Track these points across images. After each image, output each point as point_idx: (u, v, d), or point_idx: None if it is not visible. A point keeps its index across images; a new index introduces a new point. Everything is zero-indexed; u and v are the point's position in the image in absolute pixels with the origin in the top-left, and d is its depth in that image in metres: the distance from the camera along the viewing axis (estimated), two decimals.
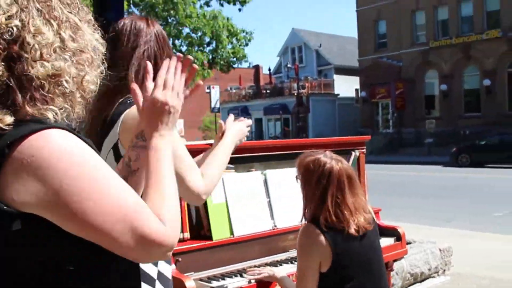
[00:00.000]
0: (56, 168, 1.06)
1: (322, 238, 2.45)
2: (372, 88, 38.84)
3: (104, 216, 1.09)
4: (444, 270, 6.32)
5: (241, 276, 2.85)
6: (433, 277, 6.16)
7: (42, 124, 1.09)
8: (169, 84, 1.43)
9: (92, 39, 1.26)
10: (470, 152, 24.78)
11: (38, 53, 1.11)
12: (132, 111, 1.86)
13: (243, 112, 47.98)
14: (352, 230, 2.46)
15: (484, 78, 32.52)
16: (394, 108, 36.97)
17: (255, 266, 3.00)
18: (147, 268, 1.93)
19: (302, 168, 2.63)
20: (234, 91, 51.44)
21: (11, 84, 1.09)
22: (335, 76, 45.54)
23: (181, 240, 2.88)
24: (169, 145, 1.38)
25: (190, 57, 1.58)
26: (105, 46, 1.32)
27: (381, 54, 38.59)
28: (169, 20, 17.20)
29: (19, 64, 1.10)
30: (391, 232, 3.59)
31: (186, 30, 17.55)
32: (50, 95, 1.14)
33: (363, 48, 39.97)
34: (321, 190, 2.51)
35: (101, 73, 1.28)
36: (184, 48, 17.85)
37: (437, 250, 6.27)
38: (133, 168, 1.57)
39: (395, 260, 3.72)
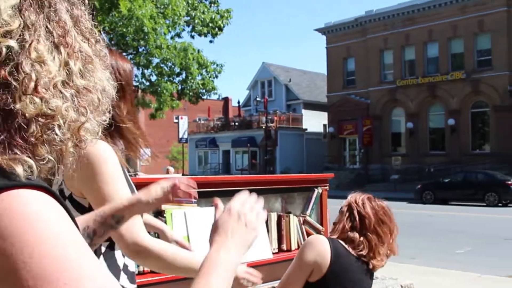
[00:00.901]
0: (20, 241, 0.76)
1: (327, 250, 2.51)
2: (340, 124, 39.35)
3: None
4: None
5: None
6: None
7: (7, 180, 0.79)
8: (248, 201, 1.26)
9: (103, 78, 0.97)
10: (434, 190, 25.17)
11: (32, 84, 0.82)
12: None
13: (211, 143, 48.00)
14: (360, 262, 2.59)
15: (449, 117, 33.35)
16: (361, 144, 37.46)
17: None
18: (118, 256, 1.91)
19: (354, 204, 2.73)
20: (202, 122, 51.47)
21: None
22: (304, 111, 46.00)
23: (141, 273, 2.86)
24: (231, 265, 1.09)
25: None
26: (116, 89, 1.05)
27: (349, 91, 39.25)
28: (140, 50, 17.23)
29: (2, 94, 0.81)
30: None
31: (156, 60, 17.59)
32: (33, 140, 0.83)
33: (332, 85, 40.60)
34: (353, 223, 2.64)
35: (105, 121, 0.98)
36: (153, 78, 17.87)
37: (399, 287, 6.30)
38: (94, 242, 1.50)
39: None
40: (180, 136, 45.69)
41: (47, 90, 0.84)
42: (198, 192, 3.22)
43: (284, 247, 3.63)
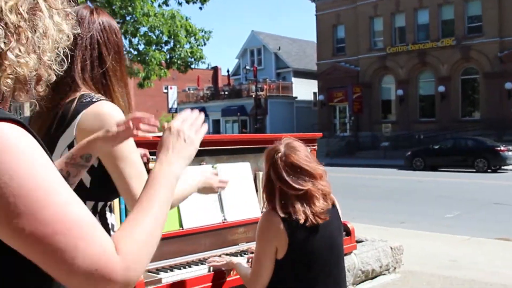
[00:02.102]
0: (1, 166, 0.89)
1: (280, 224, 2.42)
2: (329, 91, 39.29)
3: (45, 225, 0.90)
4: (395, 268, 6.41)
5: (190, 267, 2.82)
6: (384, 274, 6.23)
7: None
8: (189, 119, 1.37)
9: (50, 25, 1.05)
10: (424, 156, 25.30)
11: None
12: (90, 112, 1.81)
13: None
14: (304, 221, 2.41)
15: (439, 84, 33.35)
16: (351, 111, 37.48)
17: (208, 258, 2.97)
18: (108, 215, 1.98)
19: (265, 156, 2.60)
20: (192, 91, 51.21)
21: None
22: (294, 79, 45.88)
23: None
24: (173, 176, 1.21)
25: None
26: (70, 37, 1.12)
27: (339, 58, 39.09)
28: (127, 18, 16.99)
29: None
30: None
31: (143, 29, 17.37)
32: None
33: (322, 52, 40.40)
34: (269, 179, 2.51)
35: (60, 65, 1.10)
36: (141, 47, 17.67)
37: (388, 248, 6.35)
38: (70, 182, 1.52)
39: (345, 255, 3.74)
40: (170, 106, 45.42)
41: None
42: None
43: None
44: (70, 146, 1.82)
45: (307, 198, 2.45)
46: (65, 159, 1.58)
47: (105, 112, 1.80)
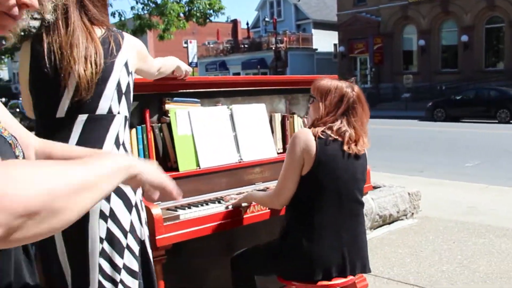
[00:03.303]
0: None
1: (312, 141, 2.57)
2: (350, 43, 38.76)
3: None
4: (413, 214, 6.48)
5: (207, 205, 2.90)
6: (402, 219, 6.31)
7: None
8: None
9: None
10: (445, 107, 24.99)
11: None
12: (128, 37, 2.32)
13: (221, 66, 47.68)
14: (345, 147, 2.62)
15: (462, 34, 32.62)
16: (372, 63, 37.04)
17: (224, 196, 3.06)
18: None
19: (320, 88, 2.74)
20: (211, 45, 50.90)
21: None
22: (314, 31, 45.26)
23: None
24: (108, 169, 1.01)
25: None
26: None
27: (360, 8, 38.35)
28: None
29: None
30: None
31: None
32: None
33: (342, 3, 39.67)
34: (332, 107, 2.68)
35: None
36: (159, 0, 17.52)
37: (406, 194, 6.41)
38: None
39: None
40: (190, 60, 45.33)
41: None
42: (201, 92, 3.24)
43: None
44: (126, 64, 2.23)
45: (358, 134, 2.70)
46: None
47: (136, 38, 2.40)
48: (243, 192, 3.12)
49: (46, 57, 2.08)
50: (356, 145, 2.65)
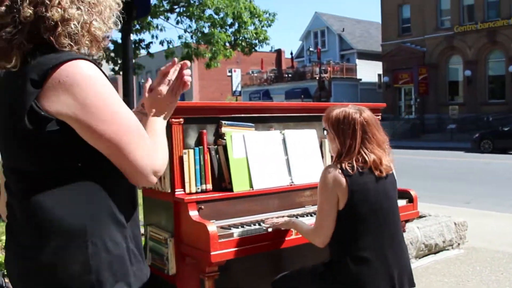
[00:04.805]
0: (84, 87, 1.42)
1: (340, 175, 2.68)
2: (395, 73, 38.63)
3: (119, 127, 1.46)
4: (459, 244, 6.43)
5: (259, 225, 3.02)
6: (447, 249, 6.27)
7: (73, 55, 1.45)
8: (171, 84, 1.79)
9: None
10: (493, 138, 24.57)
11: (57, 1, 1.44)
12: None
13: (265, 95, 48.06)
14: (374, 172, 2.72)
15: (510, 64, 32.14)
16: (417, 93, 36.72)
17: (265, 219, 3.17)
18: None
19: (330, 119, 2.84)
20: (255, 74, 51.42)
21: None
22: (358, 61, 45.30)
23: (204, 191, 3.07)
24: (163, 123, 1.77)
25: (187, 62, 1.85)
26: (120, 5, 1.64)
27: (404, 39, 38.30)
28: (191, 1, 17.30)
29: (40, 7, 1.43)
30: (403, 194, 3.72)
31: (208, 12, 17.61)
32: (58, 33, 1.46)
33: (387, 33, 39.69)
34: (346, 137, 2.76)
35: (115, 24, 1.63)
36: (206, 30, 17.95)
37: (452, 223, 6.38)
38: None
39: (406, 221, 3.86)
40: (234, 89, 45.96)
41: (66, 3, 1.45)
42: (255, 117, 3.39)
43: None
44: None
45: (377, 155, 2.76)
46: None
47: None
48: (294, 215, 3.23)
49: None
50: (381, 165, 2.75)
